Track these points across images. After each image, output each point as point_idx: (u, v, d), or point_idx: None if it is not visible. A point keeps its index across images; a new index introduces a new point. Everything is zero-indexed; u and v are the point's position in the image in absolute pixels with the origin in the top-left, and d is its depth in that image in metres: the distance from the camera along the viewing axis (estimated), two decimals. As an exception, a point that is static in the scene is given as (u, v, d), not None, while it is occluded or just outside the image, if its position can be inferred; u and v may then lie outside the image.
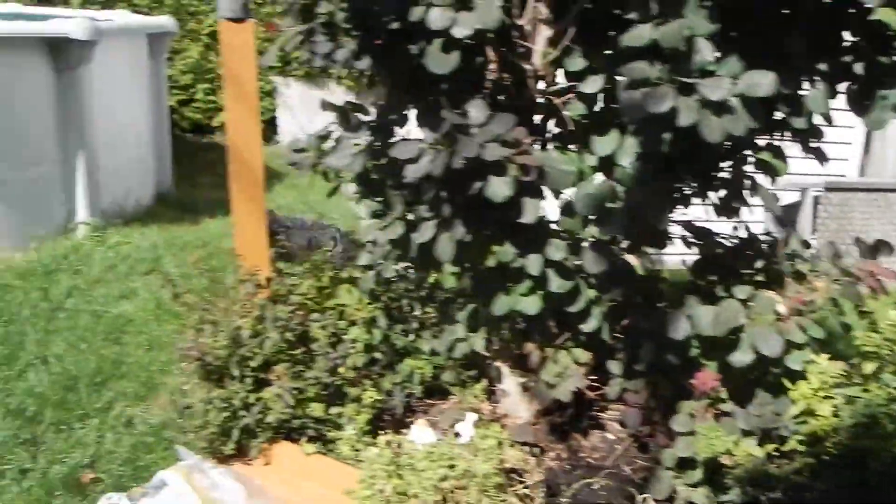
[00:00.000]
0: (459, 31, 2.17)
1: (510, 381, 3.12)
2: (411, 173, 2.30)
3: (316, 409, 3.01)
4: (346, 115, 2.81)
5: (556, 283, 2.57)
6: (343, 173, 2.88)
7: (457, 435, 2.87)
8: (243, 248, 3.35)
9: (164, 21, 6.91)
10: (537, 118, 2.74)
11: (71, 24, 5.37)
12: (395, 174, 2.52)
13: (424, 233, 2.51)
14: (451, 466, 2.62)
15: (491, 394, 3.21)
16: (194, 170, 7.89)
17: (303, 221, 5.36)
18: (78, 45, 5.42)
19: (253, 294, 3.17)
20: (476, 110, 2.31)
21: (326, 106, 2.89)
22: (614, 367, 2.98)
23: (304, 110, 9.10)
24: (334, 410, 3.06)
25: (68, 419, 3.44)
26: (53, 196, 5.66)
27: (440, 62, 2.27)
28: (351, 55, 2.33)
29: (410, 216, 2.67)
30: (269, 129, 9.22)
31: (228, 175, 3.34)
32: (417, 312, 3.36)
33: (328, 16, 2.33)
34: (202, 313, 3.10)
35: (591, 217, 2.44)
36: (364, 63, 2.32)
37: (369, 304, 3.23)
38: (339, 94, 9.06)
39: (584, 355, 2.92)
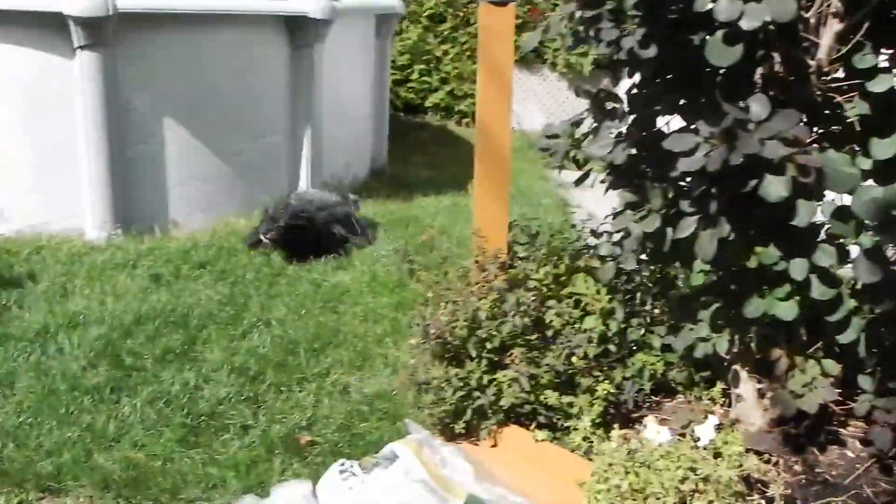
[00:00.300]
0: (748, 23, 2.08)
1: (747, 387, 3.00)
2: (684, 166, 2.23)
3: (550, 396, 3.00)
4: (600, 102, 2.77)
5: (819, 291, 2.44)
6: (593, 162, 2.85)
7: (692, 436, 2.80)
8: (485, 230, 3.36)
9: (393, 2, 7.07)
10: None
11: (311, 3, 5.59)
12: (659, 166, 2.47)
13: (685, 228, 2.45)
14: (692, 469, 2.55)
15: (726, 397, 3.11)
16: (406, 148, 8.07)
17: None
18: (314, 23, 5.64)
19: (493, 277, 3.19)
20: (758, 105, 2.22)
21: (580, 92, 2.87)
22: (865, 382, 2.81)
23: (515, 94, 9.13)
24: (565, 399, 3.04)
25: (288, 381, 3.56)
26: (279, 166, 5.94)
27: (722, 54, 2.20)
28: (637, 44, 2.28)
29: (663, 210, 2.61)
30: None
31: (475, 156, 3.36)
32: (648, 307, 3.30)
33: (616, 2, 2.30)
34: (445, 292, 3.14)
35: (870, 224, 2.30)
36: (651, 52, 2.27)
37: (606, 294, 3.19)
38: (553, 80, 9.04)
39: (834, 367, 2.77)
